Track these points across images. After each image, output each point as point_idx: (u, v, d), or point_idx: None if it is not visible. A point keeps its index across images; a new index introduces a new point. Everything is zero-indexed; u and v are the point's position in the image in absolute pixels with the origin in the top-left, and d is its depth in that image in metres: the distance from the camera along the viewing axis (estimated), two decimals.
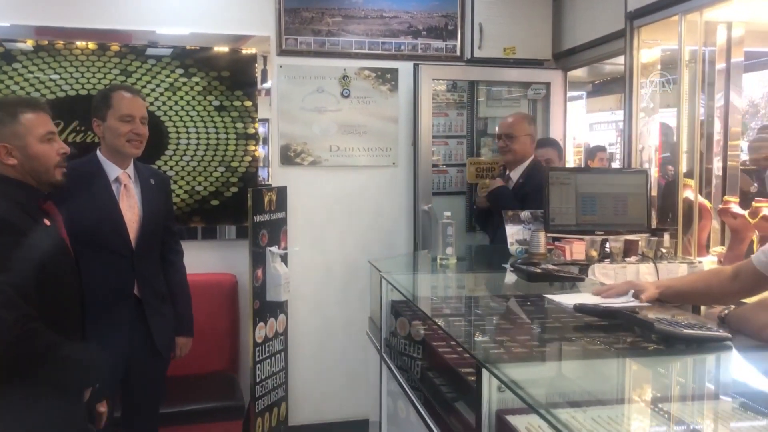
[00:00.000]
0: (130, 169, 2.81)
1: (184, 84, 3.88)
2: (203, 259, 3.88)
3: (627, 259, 2.93)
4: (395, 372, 2.40)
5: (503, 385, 1.42)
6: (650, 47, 3.50)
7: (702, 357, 1.69)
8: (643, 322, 1.72)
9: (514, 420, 1.47)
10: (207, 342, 3.69)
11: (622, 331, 1.83)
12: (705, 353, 1.68)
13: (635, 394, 1.55)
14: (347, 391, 3.63)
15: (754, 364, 1.70)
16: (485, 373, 1.48)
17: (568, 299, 2.06)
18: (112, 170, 2.76)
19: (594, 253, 2.96)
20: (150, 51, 3.82)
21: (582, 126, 7.67)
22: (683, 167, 3.29)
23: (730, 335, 1.69)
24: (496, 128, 3.74)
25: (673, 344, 1.66)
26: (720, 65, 3.45)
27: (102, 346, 2.26)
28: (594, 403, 1.48)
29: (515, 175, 3.67)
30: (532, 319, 2.08)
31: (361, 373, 3.43)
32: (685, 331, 1.64)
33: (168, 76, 3.85)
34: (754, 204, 2.97)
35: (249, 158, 3.98)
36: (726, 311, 1.89)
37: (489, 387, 1.50)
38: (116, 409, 2.84)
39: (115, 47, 3.77)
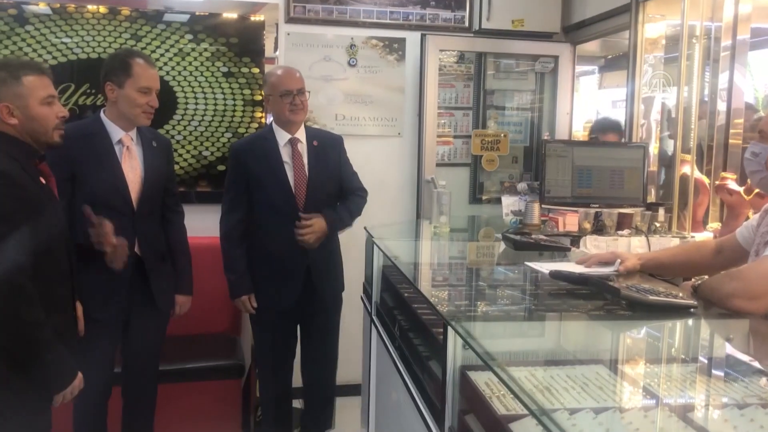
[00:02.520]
0: (133, 132, 2.87)
1: (193, 50, 3.93)
2: (209, 223, 3.92)
3: (619, 232, 2.96)
4: (382, 334, 2.47)
5: (465, 342, 1.47)
6: (656, 22, 3.48)
7: (665, 323, 1.74)
8: (610, 288, 1.76)
9: (475, 376, 1.53)
10: (211, 304, 3.78)
11: (594, 297, 1.87)
12: (669, 319, 1.72)
13: (596, 355, 1.60)
14: (345, 355, 3.71)
15: (715, 330, 1.74)
16: (450, 331, 1.54)
17: (549, 267, 2.10)
18: (116, 132, 2.82)
19: (587, 226, 3.00)
20: (160, 16, 3.87)
21: (602, 102, 7.62)
22: (682, 143, 3.30)
23: (695, 303, 1.73)
24: (276, 85, 3.11)
25: (640, 310, 1.71)
26: (726, 42, 3.43)
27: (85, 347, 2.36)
28: (554, 362, 1.54)
29: (302, 136, 3.19)
30: (507, 284, 2.14)
31: (358, 337, 3.51)
32: (650, 297, 1.69)
33: (177, 42, 3.91)
34: (721, 175, 3.00)
35: (256, 125, 4.04)
36: (698, 281, 1.93)
37: (454, 344, 1.56)
38: (116, 364, 2.95)
39: (125, 11, 3.82)
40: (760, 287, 1.72)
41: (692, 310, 1.72)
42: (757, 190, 2.95)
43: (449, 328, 1.54)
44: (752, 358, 1.60)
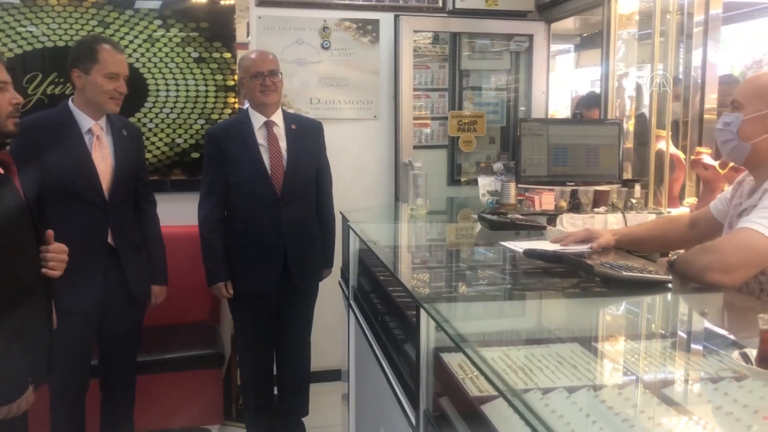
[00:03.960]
0: (103, 121, 2.82)
1: (163, 35, 3.86)
2: (184, 211, 3.88)
3: (596, 210, 2.96)
4: (359, 318, 2.45)
5: (437, 324, 1.46)
6: None
7: (640, 299, 1.73)
8: (584, 265, 1.75)
9: (448, 358, 1.51)
10: (189, 292, 3.74)
11: (569, 275, 1.86)
12: (644, 295, 1.72)
13: (571, 333, 1.59)
14: (325, 340, 3.69)
15: (689, 305, 1.74)
16: (423, 313, 1.52)
17: (524, 246, 2.09)
18: (85, 121, 2.76)
19: (564, 204, 2.99)
20: (128, 2, 3.79)
21: (579, 81, 7.63)
22: (657, 119, 3.30)
23: (669, 278, 1.73)
24: (248, 67, 3.09)
25: (614, 287, 1.70)
26: (699, 17, 3.42)
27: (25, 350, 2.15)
28: (529, 341, 1.52)
29: (278, 119, 3.16)
30: (482, 265, 2.12)
31: (338, 323, 3.49)
32: (624, 273, 1.68)
33: (146, 28, 3.83)
34: (696, 150, 3.00)
35: (229, 111, 3.98)
36: (674, 256, 1.92)
37: (427, 326, 1.54)
38: (93, 357, 2.91)
39: None
40: (734, 260, 1.72)
41: (667, 285, 1.71)
42: (731, 164, 2.96)
43: (422, 310, 1.52)
44: (726, 331, 1.59)
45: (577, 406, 1.20)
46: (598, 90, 4.72)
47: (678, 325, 1.69)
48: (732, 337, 1.54)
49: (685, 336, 1.59)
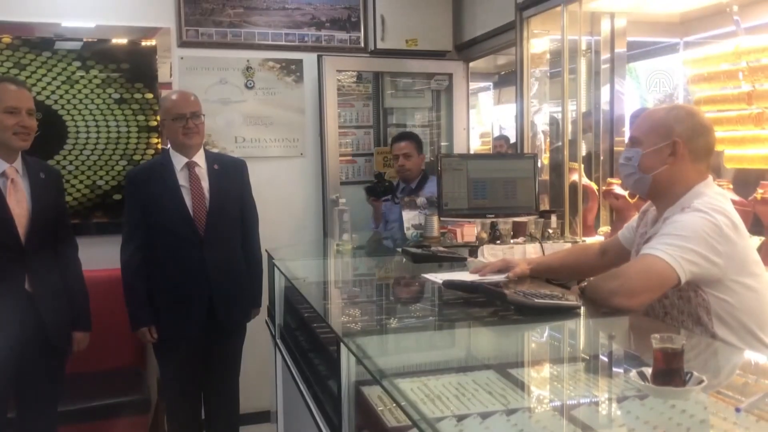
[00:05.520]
0: (18, 164, 2.76)
1: (83, 77, 3.82)
2: (107, 255, 3.80)
3: (515, 240, 3.06)
4: (286, 357, 2.45)
5: (356, 358, 1.49)
6: (540, 37, 3.64)
7: (552, 324, 1.80)
8: (497, 294, 1.82)
9: (368, 390, 1.54)
10: (113, 338, 3.65)
11: (488, 304, 1.92)
12: (555, 321, 1.79)
13: (487, 360, 1.64)
14: (254, 381, 3.66)
15: (598, 329, 1.82)
16: (343, 348, 1.55)
17: (444, 277, 2.14)
18: None
19: (484, 235, 3.08)
20: (45, 44, 3.74)
21: (500, 117, 7.89)
22: (569, 153, 3.45)
23: (579, 304, 1.81)
24: (170, 109, 3.08)
25: (528, 314, 1.77)
26: (605, 55, 3.62)
27: None
28: (447, 371, 1.56)
29: (200, 160, 3.13)
30: (404, 298, 2.16)
31: (267, 363, 3.47)
32: (536, 301, 1.75)
33: (65, 69, 3.79)
34: (607, 180, 3.15)
35: (152, 151, 3.95)
36: (585, 283, 2.01)
37: (347, 361, 1.56)
38: (9, 409, 2.80)
39: (6, 39, 3.68)
40: (637, 284, 1.81)
41: (577, 310, 1.79)
42: (614, 191, 3.14)
43: (342, 345, 1.55)
44: (632, 352, 1.68)
45: (490, 431, 1.25)
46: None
47: (587, 349, 1.77)
48: (637, 357, 1.62)
49: (594, 359, 1.67)
